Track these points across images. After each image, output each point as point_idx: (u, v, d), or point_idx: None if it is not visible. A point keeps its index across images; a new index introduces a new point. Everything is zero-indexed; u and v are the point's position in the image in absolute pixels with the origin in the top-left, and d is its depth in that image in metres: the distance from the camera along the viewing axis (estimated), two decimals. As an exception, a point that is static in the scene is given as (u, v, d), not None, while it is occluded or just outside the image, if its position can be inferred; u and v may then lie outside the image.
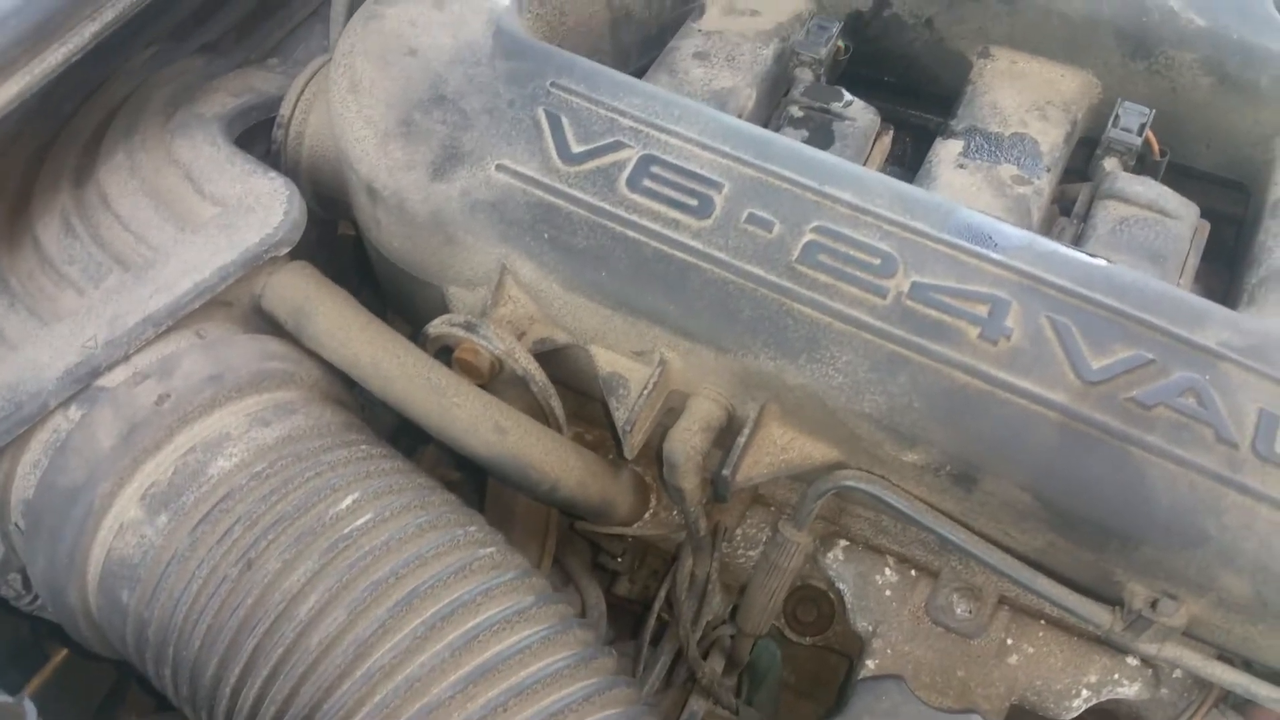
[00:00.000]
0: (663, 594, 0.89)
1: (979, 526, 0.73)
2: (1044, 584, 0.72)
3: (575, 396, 0.85)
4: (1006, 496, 0.71)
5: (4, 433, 0.72)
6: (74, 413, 0.72)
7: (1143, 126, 0.87)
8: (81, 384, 0.73)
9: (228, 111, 0.90)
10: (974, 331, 0.73)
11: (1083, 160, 0.94)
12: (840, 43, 0.98)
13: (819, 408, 0.73)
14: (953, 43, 0.98)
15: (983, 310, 0.73)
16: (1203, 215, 0.95)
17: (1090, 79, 0.94)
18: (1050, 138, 0.91)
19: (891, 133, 0.95)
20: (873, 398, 0.72)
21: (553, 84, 0.83)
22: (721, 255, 0.76)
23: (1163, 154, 0.92)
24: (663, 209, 0.78)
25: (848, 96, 0.92)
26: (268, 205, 0.79)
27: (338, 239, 0.97)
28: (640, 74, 1.03)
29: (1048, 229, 0.88)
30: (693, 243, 0.76)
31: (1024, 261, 0.75)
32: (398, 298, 0.91)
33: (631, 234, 0.77)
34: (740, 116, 0.93)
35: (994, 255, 0.75)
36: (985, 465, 0.71)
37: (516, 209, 0.78)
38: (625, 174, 0.79)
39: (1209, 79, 0.90)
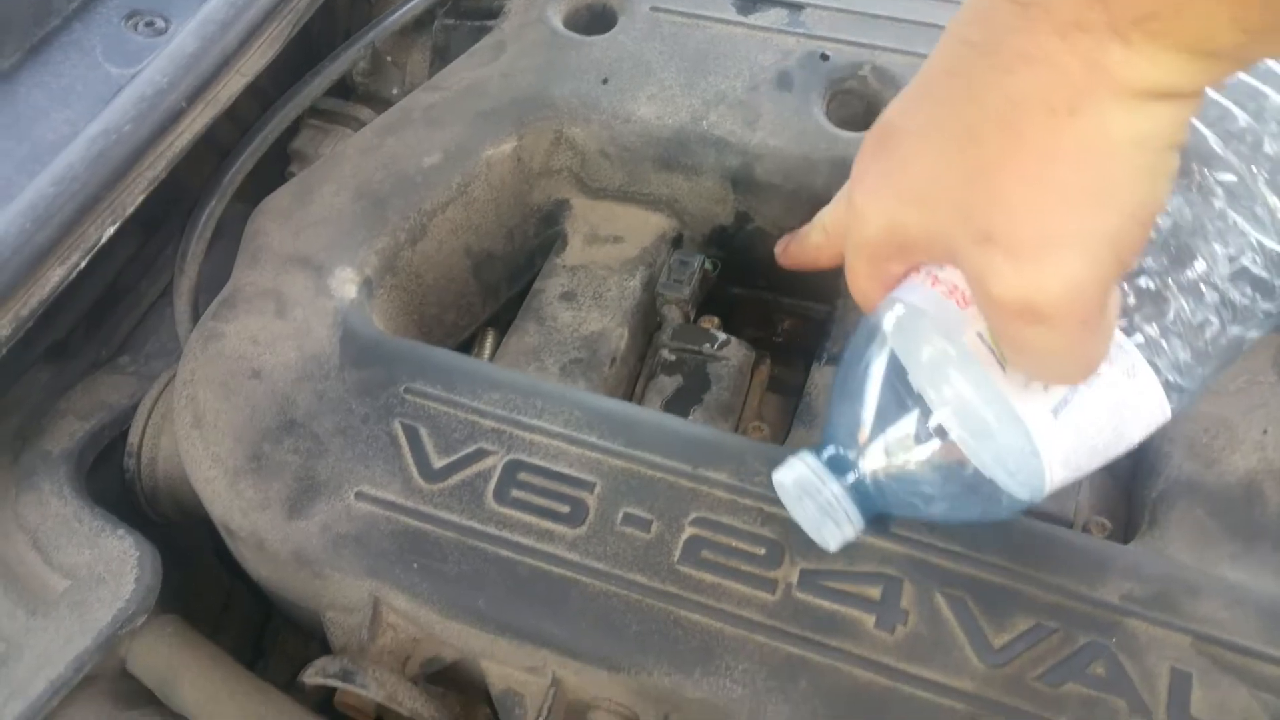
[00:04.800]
0: None
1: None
2: None
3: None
4: (925, 796, 0.68)
5: None
6: None
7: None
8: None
9: (76, 443, 0.85)
10: (869, 620, 0.70)
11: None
12: (708, 265, 0.95)
13: (723, 718, 0.70)
14: (819, 250, 0.95)
15: (875, 594, 0.71)
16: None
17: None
18: (927, 350, 0.88)
19: (768, 361, 0.92)
20: (775, 707, 0.68)
21: (407, 390, 0.80)
22: (600, 565, 0.72)
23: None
24: (534, 520, 0.74)
25: (720, 336, 0.90)
26: (119, 573, 0.74)
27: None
28: (513, 304, 1.01)
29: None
30: (569, 555, 0.73)
31: (911, 529, 0.73)
32: (277, 605, 0.86)
33: (504, 553, 0.73)
34: (614, 360, 0.90)
35: (882, 529, 0.73)
36: (899, 768, 0.67)
37: (381, 539, 0.74)
38: (491, 485, 0.75)
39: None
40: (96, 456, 0.86)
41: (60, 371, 0.92)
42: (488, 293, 1.01)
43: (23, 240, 0.70)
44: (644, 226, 0.98)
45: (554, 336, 0.92)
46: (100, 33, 0.83)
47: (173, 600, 0.81)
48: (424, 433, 0.78)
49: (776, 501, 0.74)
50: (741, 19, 1.01)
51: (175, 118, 0.78)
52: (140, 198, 0.78)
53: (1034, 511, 0.78)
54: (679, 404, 0.87)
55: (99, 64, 0.80)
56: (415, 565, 0.73)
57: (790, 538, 0.73)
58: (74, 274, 0.75)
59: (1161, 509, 0.78)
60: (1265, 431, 0.81)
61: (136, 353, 0.95)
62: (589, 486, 0.75)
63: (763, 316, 1.05)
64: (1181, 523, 0.77)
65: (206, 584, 0.91)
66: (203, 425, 0.79)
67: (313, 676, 0.74)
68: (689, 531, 0.73)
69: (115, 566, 0.75)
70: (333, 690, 0.76)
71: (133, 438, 0.84)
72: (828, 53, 0.97)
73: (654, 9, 1.02)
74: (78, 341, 0.94)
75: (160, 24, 0.84)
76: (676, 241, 0.99)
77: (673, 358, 0.89)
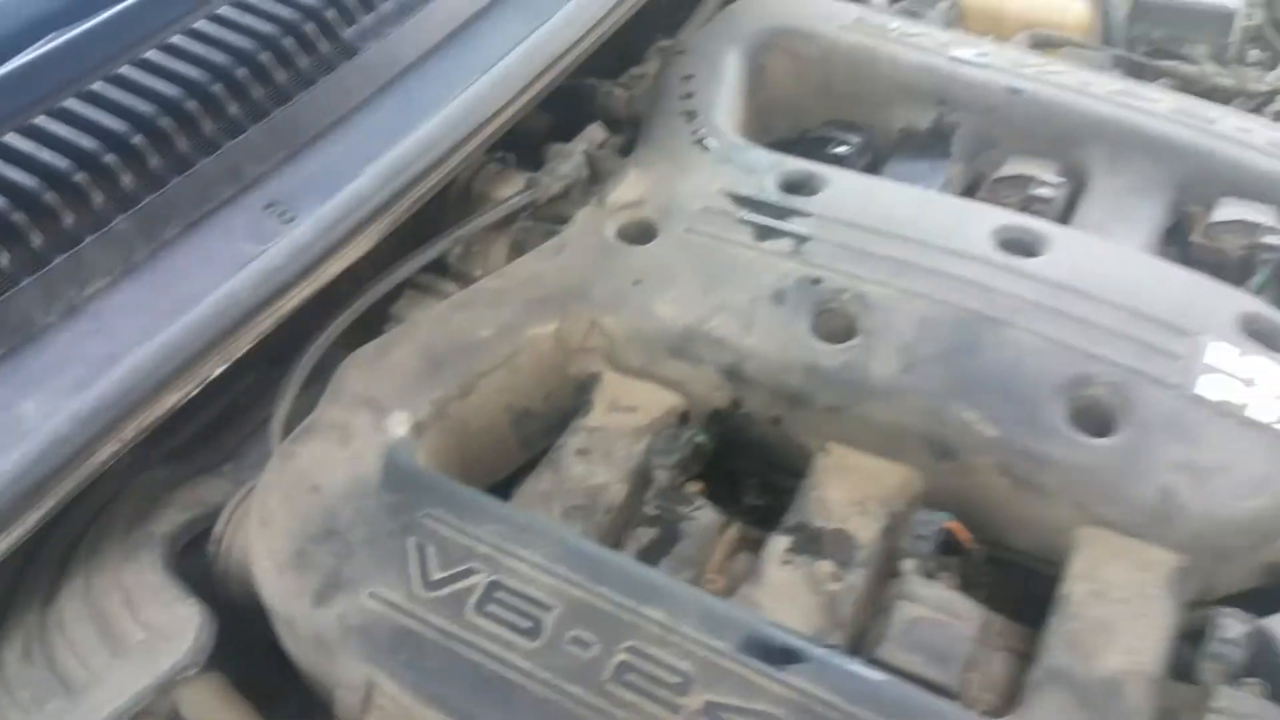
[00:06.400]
0: None
1: None
2: None
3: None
4: None
5: None
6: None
7: (936, 534, 1.00)
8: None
9: (175, 529, 1.08)
10: (754, 750, 0.85)
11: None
12: (701, 438, 1.14)
13: (623, 816, 0.85)
14: (798, 438, 1.13)
15: (761, 728, 0.86)
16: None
17: (909, 473, 1.07)
18: (868, 533, 1.04)
19: (737, 525, 1.09)
20: (665, 811, 0.84)
21: (426, 514, 1.00)
22: (546, 675, 0.90)
23: (977, 542, 1.04)
24: (501, 631, 0.92)
25: (696, 500, 1.07)
26: (182, 632, 0.96)
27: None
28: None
29: (859, 622, 1.00)
30: (523, 663, 0.90)
31: (805, 679, 0.88)
32: (307, 683, 1.06)
33: (474, 655, 0.91)
34: (611, 510, 1.09)
35: (778, 674, 0.88)
36: None
37: (381, 632, 0.93)
38: (473, 598, 0.94)
39: (1005, 479, 1.03)
40: (189, 541, 1.09)
41: (174, 471, 1.16)
42: (523, 445, 1.22)
43: (149, 373, 0.95)
44: (657, 402, 1.17)
45: (564, 485, 1.11)
46: (244, 217, 1.09)
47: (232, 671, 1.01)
48: (431, 550, 0.97)
49: (700, 641, 0.91)
50: (756, 244, 1.21)
51: (283, 290, 1.02)
52: (247, 346, 1.02)
53: (921, 680, 0.92)
54: (652, 552, 1.05)
55: (236, 241, 1.06)
56: (403, 657, 0.92)
57: (702, 673, 0.89)
58: (185, 400, 0.99)
59: (1034, 691, 0.91)
60: (1141, 638, 0.93)
61: (240, 461, 1.19)
62: (549, 609, 0.93)
63: (759, 488, 1.21)
64: (1049, 704, 0.90)
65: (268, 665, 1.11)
66: (266, 524, 1.01)
67: (312, 739, 0.93)
68: (621, 656, 0.90)
69: (180, 626, 0.96)
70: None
71: (217, 529, 1.07)
72: (820, 278, 1.16)
73: (688, 230, 1.24)
74: (193, 449, 1.19)
75: (289, 214, 1.10)
76: (684, 417, 1.18)
77: (654, 513, 1.07)
